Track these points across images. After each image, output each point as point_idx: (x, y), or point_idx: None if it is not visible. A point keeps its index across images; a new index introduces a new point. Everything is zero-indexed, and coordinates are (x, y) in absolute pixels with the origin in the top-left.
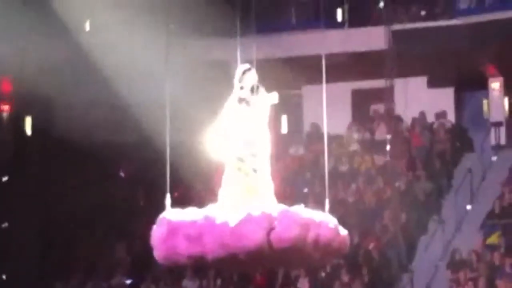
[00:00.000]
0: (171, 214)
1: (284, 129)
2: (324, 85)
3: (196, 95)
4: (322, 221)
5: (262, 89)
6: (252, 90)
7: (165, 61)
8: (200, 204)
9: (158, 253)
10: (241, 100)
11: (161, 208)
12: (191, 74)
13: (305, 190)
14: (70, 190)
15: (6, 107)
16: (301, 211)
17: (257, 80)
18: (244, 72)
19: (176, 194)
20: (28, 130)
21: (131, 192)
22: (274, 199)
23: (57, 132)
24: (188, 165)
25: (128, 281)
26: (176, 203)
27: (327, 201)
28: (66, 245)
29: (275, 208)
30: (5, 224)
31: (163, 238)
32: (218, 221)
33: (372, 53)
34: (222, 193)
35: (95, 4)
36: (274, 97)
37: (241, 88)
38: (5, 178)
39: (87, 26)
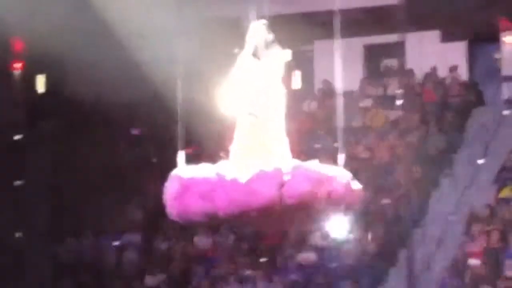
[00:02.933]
0: (183, 171)
1: (297, 85)
2: (336, 41)
3: (208, 53)
4: (335, 176)
5: (275, 45)
6: (264, 46)
7: (176, 19)
8: (213, 160)
9: (171, 210)
10: (254, 55)
11: (174, 165)
12: (203, 32)
13: (318, 146)
14: (82, 149)
15: (18, 65)
16: (314, 166)
17: (269, 36)
18: (257, 27)
19: (188, 151)
20: (41, 89)
21: (144, 151)
22: (288, 155)
23: (69, 91)
24: (200, 122)
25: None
26: (188, 160)
27: (340, 156)
28: (78, 203)
29: (288, 163)
30: (20, 182)
31: (175, 195)
32: (230, 177)
33: (384, 8)
34: (234, 149)
35: None
36: (286, 55)
37: (253, 44)
38: (18, 137)
39: None
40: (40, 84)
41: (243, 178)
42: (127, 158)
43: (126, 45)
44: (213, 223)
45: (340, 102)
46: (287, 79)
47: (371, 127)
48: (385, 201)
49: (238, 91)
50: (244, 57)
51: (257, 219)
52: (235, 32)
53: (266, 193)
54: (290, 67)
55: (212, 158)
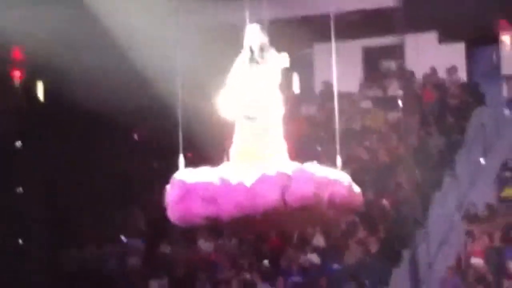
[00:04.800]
0: (184, 174)
1: (296, 89)
2: (333, 44)
3: (207, 59)
4: (336, 179)
5: (272, 50)
6: (261, 50)
7: (175, 26)
8: (212, 164)
9: (173, 214)
10: (251, 60)
11: (175, 170)
12: (202, 39)
13: (318, 148)
14: (82, 155)
15: (18, 73)
16: (316, 169)
17: (266, 40)
18: (254, 32)
19: (189, 155)
20: (41, 96)
21: (145, 156)
22: (287, 158)
23: (69, 98)
24: (200, 127)
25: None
26: (189, 164)
27: (338, 158)
28: (79, 210)
29: (290, 167)
30: (20, 189)
31: (177, 199)
32: (233, 181)
33: (382, 10)
34: (233, 152)
35: None
36: (284, 60)
37: (251, 48)
38: (18, 143)
39: None
40: (40, 92)
41: (246, 182)
42: (128, 164)
43: (126, 52)
44: (216, 227)
45: (338, 104)
46: (286, 83)
47: (371, 129)
48: (387, 202)
49: (235, 95)
50: (241, 61)
51: (260, 223)
52: (233, 38)
53: (270, 197)
54: (288, 71)
55: (212, 161)
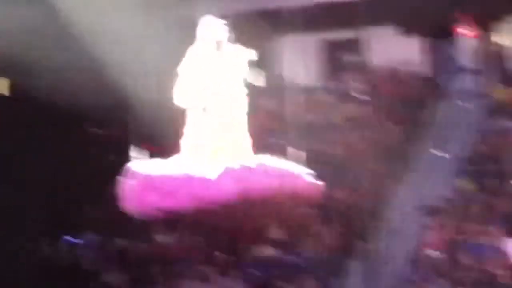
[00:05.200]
0: (139, 166)
1: (258, 82)
2: (292, 37)
3: (167, 55)
4: (297, 173)
5: (239, 46)
6: (219, 42)
7: (138, 23)
8: (165, 156)
9: (128, 206)
10: (207, 51)
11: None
12: (163, 34)
13: (280, 142)
14: (44, 151)
15: None
16: (277, 163)
17: (225, 32)
18: (209, 24)
19: (151, 147)
20: (5, 92)
21: (101, 149)
22: (249, 151)
23: (35, 95)
24: (155, 119)
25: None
26: (151, 155)
27: (298, 152)
28: (36, 204)
29: (251, 160)
30: None
31: (134, 190)
32: (195, 174)
33: (341, 3)
34: (184, 144)
35: None
36: (251, 54)
37: (205, 39)
38: None
39: None
40: (4, 88)
41: (209, 175)
42: (84, 157)
43: (91, 49)
44: (173, 220)
45: (297, 98)
46: (248, 76)
47: (330, 122)
48: (345, 195)
49: (188, 84)
50: (194, 51)
51: (220, 216)
52: (191, 30)
53: (233, 190)
54: (250, 65)
55: (166, 153)
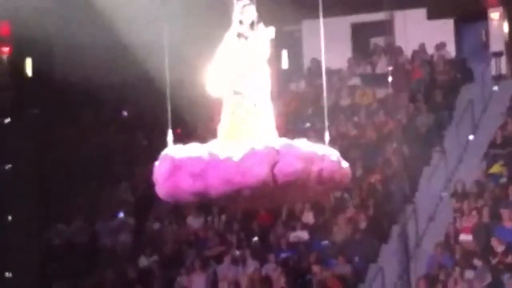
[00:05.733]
0: (173, 150)
1: (285, 65)
2: (321, 20)
3: (195, 33)
4: (324, 155)
5: (261, 25)
6: (251, 25)
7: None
8: (202, 140)
9: (161, 190)
10: (240, 35)
11: (164, 147)
12: (189, 12)
13: (307, 125)
14: (71, 132)
15: (6, 49)
16: (304, 145)
17: (256, 15)
18: (243, 7)
19: (178, 131)
20: (29, 72)
21: (133, 133)
22: (275, 134)
23: (57, 74)
24: (189, 103)
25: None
26: (178, 140)
27: (327, 134)
28: (68, 187)
29: (278, 142)
30: (8, 166)
31: (166, 174)
32: (222, 156)
33: None
34: (221, 128)
35: None
36: (270, 32)
37: (240, 23)
38: (7, 120)
39: None
40: (28, 68)
41: (235, 157)
42: (117, 141)
43: (114, 27)
44: (205, 203)
45: (327, 81)
46: (275, 59)
47: (359, 105)
48: (375, 178)
49: (223, 71)
50: (229, 36)
51: (249, 198)
52: (222, 12)
53: (258, 172)
54: (277, 47)
55: (201, 138)
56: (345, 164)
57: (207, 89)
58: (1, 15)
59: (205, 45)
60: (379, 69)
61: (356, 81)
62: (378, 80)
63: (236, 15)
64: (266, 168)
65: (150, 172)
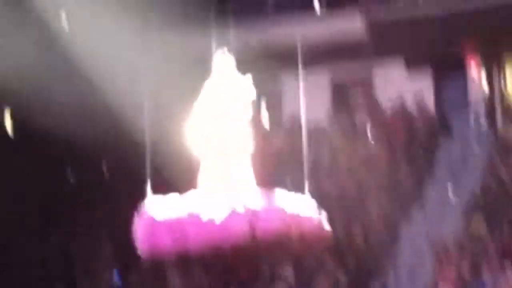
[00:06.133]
0: (153, 208)
1: (266, 123)
2: (300, 72)
3: (174, 88)
4: (306, 216)
5: (242, 79)
6: (230, 73)
7: (142, 54)
8: (181, 190)
9: (142, 249)
10: (218, 85)
11: (143, 196)
12: (169, 67)
13: (288, 180)
14: (52, 185)
15: None
16: (283, 203)
17: (234, 65)
18: (220, 57)
19: (155, 183)
20: (8, 125)
21: (112, 183)
22: (256, 190)
23: (37, 127)
24: (168, 155)
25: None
26: (156, 190)
27: (306, 191)
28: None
29: (258, 202)
30: None
31: (147, 235)
32: (203, 217)
33: (348, 39)
34: (201, 179)
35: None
36: (252, 93)
37: (218, 73)
38: None
39: (64, 21)
40: (8, 120)
41: (216, 219)
42: (95, 191)
43: (94, 83)
44: (185, 261)
45: (306, 137)
46: (256, 117)
47: (339, 160)
48: (356, 233)
49: (203, 126)
50: (208, 87)
51: (230, 257)
52: (201, 66)
53: (239, 233)
54: (257, 104)
55: (180, 188)
56: (326, 225)
57: (187, 144)
58: None
59: (184, 95)
60: (359, 123)
61: (336, 136)
62: (357, 133)
63: (215, 64)
64: (246, 229)
65: (129, 224)
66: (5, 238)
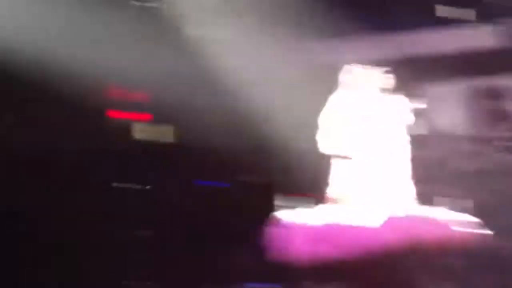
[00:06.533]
0: (289, 215)
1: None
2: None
3: (303, 98)
4: (464, 229)
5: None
6: (376, 91)
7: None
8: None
9: (282, 253)
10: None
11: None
12: (299, 76)
13: (436, 191)
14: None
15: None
16: (439, 213)
17: (380, 81)
18: (362, 73)
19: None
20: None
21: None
22: (406, 200)
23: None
24: (300, 167)
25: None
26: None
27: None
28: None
29: (415, 211)
30: None
31: (289, 239)
32: (358, 224)
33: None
34: (331, 192)
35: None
36: (405, 102)
37: (357, 87)
38: None
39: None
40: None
41: (370, 223)
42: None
43: (231, 92)
44: (324, 269)
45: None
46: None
47: (482, 171)
48: (501, 243)
49: (336, 134)
50: (336, 99)
51: (385, 267)
52: (329, 77)
53: (393, 239)
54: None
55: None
56: (481, 230)
57: (320, 148)
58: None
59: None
60: (499, 134)
61: (476, 146)
62: (498, 145)
63: (347, 78)
64: (401, 235)
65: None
66: None
